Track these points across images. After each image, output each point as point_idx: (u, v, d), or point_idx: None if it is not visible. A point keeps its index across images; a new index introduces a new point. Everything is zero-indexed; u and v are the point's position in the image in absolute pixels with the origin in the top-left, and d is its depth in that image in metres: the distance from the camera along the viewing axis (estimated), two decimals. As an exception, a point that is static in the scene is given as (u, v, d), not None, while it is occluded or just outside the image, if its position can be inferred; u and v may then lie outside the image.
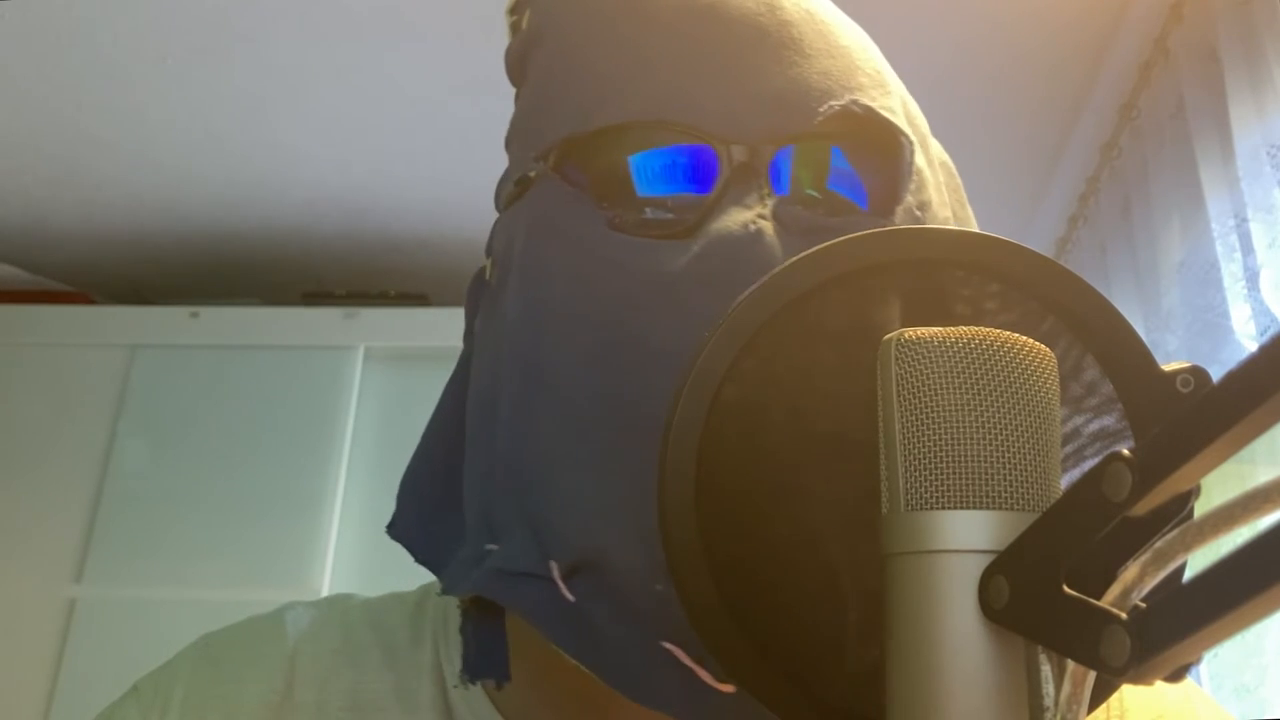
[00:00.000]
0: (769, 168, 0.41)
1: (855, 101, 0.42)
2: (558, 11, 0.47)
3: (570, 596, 0.37)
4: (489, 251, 0.48)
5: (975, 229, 0.48)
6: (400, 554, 0.48)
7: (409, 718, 0.45)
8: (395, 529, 0.47)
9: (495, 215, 0.49)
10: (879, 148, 0.43)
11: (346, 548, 1.78)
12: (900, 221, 0.42)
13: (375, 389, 1.89)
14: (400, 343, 1.91)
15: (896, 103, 0.45)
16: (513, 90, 0.50)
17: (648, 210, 0.42)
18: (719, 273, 0.38)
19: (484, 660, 0.41)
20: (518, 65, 0.49)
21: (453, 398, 0.48)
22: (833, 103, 0.42)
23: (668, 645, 0.36)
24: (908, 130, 0.44)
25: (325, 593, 1.71)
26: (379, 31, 1.45)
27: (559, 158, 0.44)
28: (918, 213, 0.43)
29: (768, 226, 0.39)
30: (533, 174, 0.45)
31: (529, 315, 0.42)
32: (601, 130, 0.43)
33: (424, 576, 0.51)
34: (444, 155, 1.72)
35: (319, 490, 1.79)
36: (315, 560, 1.75)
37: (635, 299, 0.40)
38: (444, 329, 1.87)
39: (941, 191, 0.46)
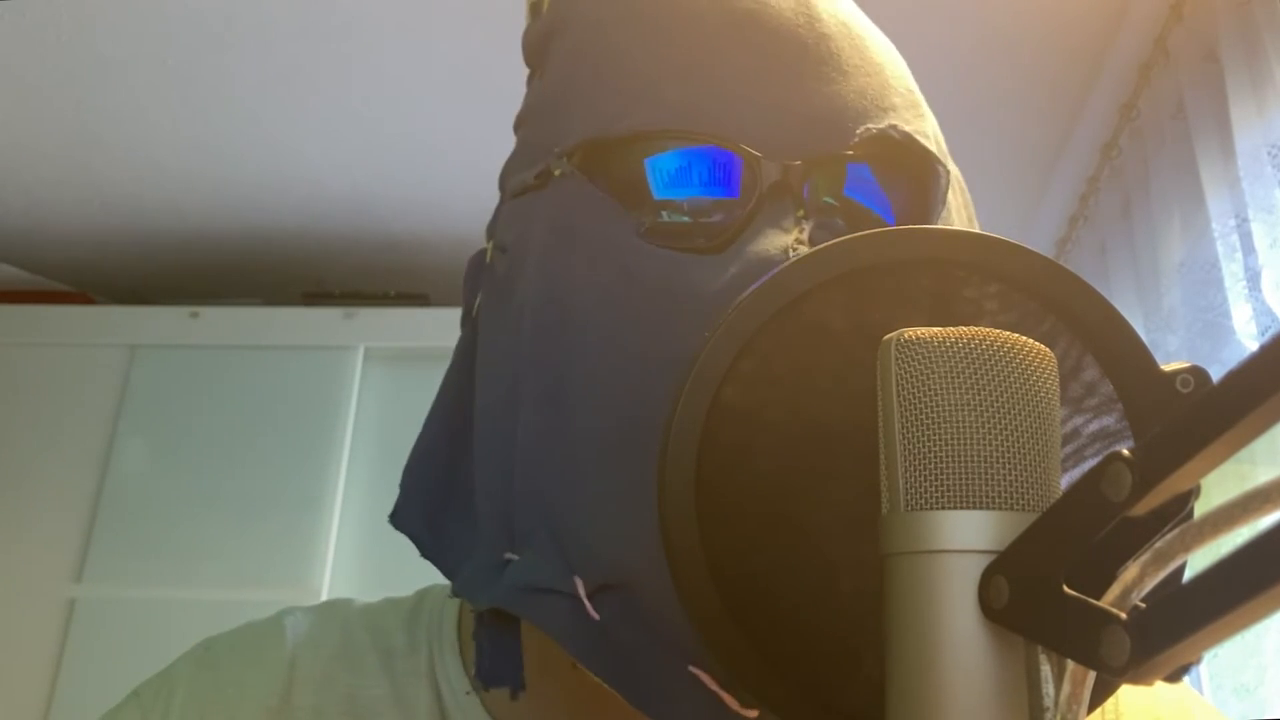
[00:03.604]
0: (803, 187, 0.40)
1: (894, 127, 0.42)
2: (586, 1, 0.46)
3: (595, 615, 0.37)
4: (491, 235, 0.47)
5: None
6: (400, 554, 0.48)
7: None
8: (398, 519, 0.46)
9: (497, 203, 0.48)
10: (911, 174, 0.42)
11: (346, 548, 1.78)
12: None
13: (375, 389, 1.89)
14: (400, 343, 1.91)
15: (930, 125, 0.44)
16: (512, 88, 0.50)
17: (697, 211, 0.41)
18: None
19: (498, 669, 0.41)
20: (537, 49, 0.48)
21: (455, 386, 0.47)
22: (870, 125, 0.41)
23: (694, 670, 0.36)
24: (945, 161, 0.43)
25: (325, 593, 1.71)
26: (379, 31, 1.45)
27: (587, 156, 0.43)
28: None
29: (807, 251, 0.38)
30: (557, 171, 0.43)
31: (553, 322, 0.41)
32: (633, 135, 0.42)
33: (423, 578, 0.51)
34: (444, 155, 1.72)
35: (319, 490, 1.79)
36: (315, 560, 1.75)
37: (668, 316, 0.38)
38: (444, 329, 1.86)
39: (962, 212, 0.46)
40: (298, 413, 1.85)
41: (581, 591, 0.37)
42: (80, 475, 1.82)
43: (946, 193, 0.43)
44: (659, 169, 0.42)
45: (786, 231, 0.39)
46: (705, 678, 0.35)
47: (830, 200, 0.42)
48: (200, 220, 1.92)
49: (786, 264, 0.31)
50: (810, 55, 0.42)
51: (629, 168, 0.42)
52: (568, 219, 0.42)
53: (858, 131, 0.41)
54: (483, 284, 0.47)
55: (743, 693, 0.35)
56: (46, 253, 2.02)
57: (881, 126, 0.41)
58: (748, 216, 0.40)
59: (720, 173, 0.41)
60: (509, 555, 0.40)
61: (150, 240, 1.98)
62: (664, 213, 0.41)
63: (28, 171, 1.76)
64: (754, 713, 0.35)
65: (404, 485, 0.47)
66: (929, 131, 0.44)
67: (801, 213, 0.40)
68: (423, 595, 0.51)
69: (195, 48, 1.48)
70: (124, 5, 1.39)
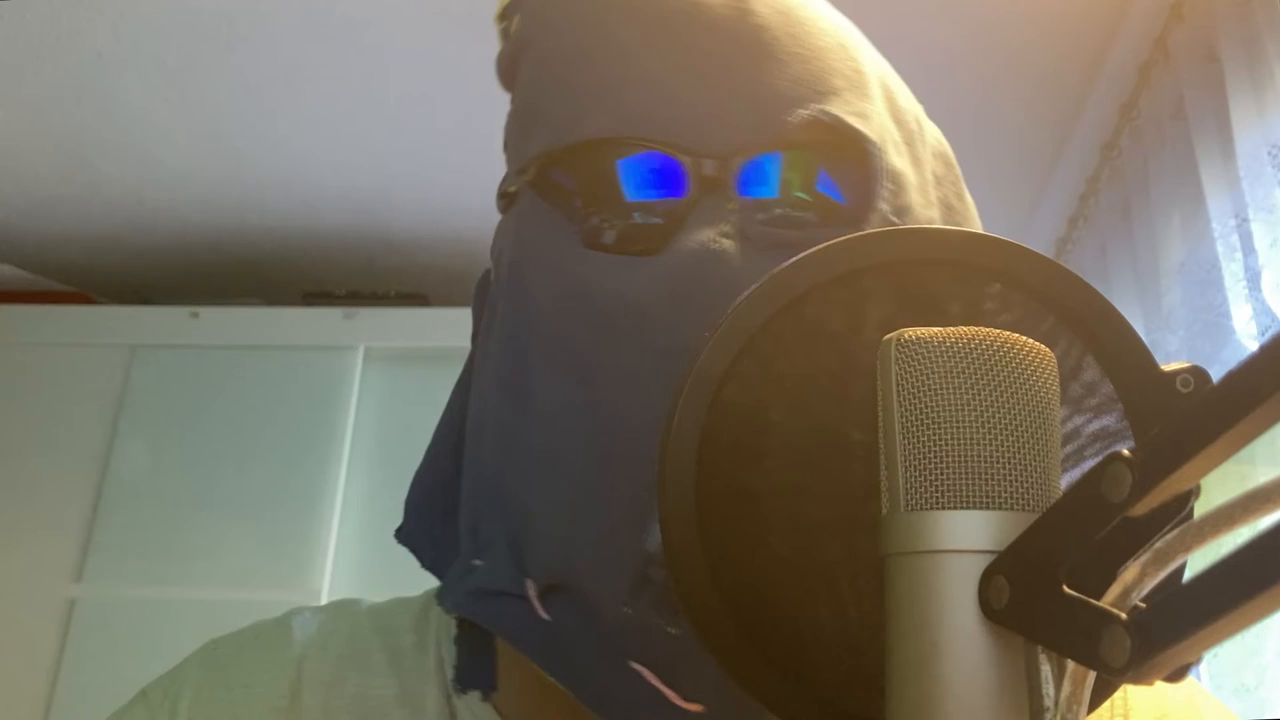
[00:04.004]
0: (736, 180, 0.41)
1: (824, 110, 0.42)
2: (541, 20, 0.47)
3: (545, 615, 0.38)
4: (492, 254, 0.49)
5: (974, 219, 0.48)
6: (400, 554, 0.49)
7: None
8: (403, 534, 0.48)
9: (494, 215, 0.49)
10: (850, 154, 0.43)
11: (346, 548, 1.78)
12: (875, 228, 0.42)
13: (375, 389, 1.89)
14: (400, 343, 1.91)
15: (874, 102, 0.45)
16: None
17: (636, 215, 0.42)
18: (681, 294, 0.39)
19: (472, 671, 0.43)
20: (508, 72, 0.50)
21: (459, 402, 0.49)
22: (800, 111, 0.42)
23: (636, 666, 0.37)
24: (880, 135, 0.43)
25: (325, 593, 1.71)
26: (379, 31, 1.45)
27: (538, 171, 0.44)
28: (893, 218, 0.42)
29: (730, 245, 0.39)
30: (513, 188, 0.46)
31: (515, 332, 0.43)
32: (575, 145, 0.43)
33: (423, 578, 0.51)
34: (444, 155, 1.72)
35: (319, 490, 1.79)
36: (315, 560, 1.75)
37: (607, 320, 0.40)
38: (444, 329, 1.87)
39: (929, 190, 0.46)
40: (298, 413, 1.85)
41: (532, 593, 0.39)
42: (80, 475, 1.82)
43: (883, 167, 0.43)
44: (602, 177, 0.43)
45: (713, 225, 0.40)
46: (647, 673, 0.36)
47: (802, 195, 0.42)
48: (200, 220, 1.92)
49: (786, 264, 0.31)
50: (742, 48, 0.43)
51: (575, 178, 0.44)
52: (524, 235, 0.44)
53: (789, 120, 0.42)
54: (485, 301, 0.48)
55: (690, 690, 0.36)
56: (46, 253, 2.02)
57: (811, 112, 0.42)
58: (682, 215, 0.41)
59: (658, 175, 0.42)
60: (475, 561, 0.42)
61: (150, 240, 1.98)
62: (607, 219, 0.43)
63: (28, 171, 1.76)
64: (696, 707, 0.36)
65: (408, 502, 0.49)
66: (870, 110, 0.44)
67: (733, 205, 0.41)
68: (432, 595, 0.51)
69: (195, 47, 1.48)
70: (124, 5, 1.39)
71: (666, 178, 0.42)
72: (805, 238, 0.40)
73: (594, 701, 0.37)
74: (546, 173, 0.44)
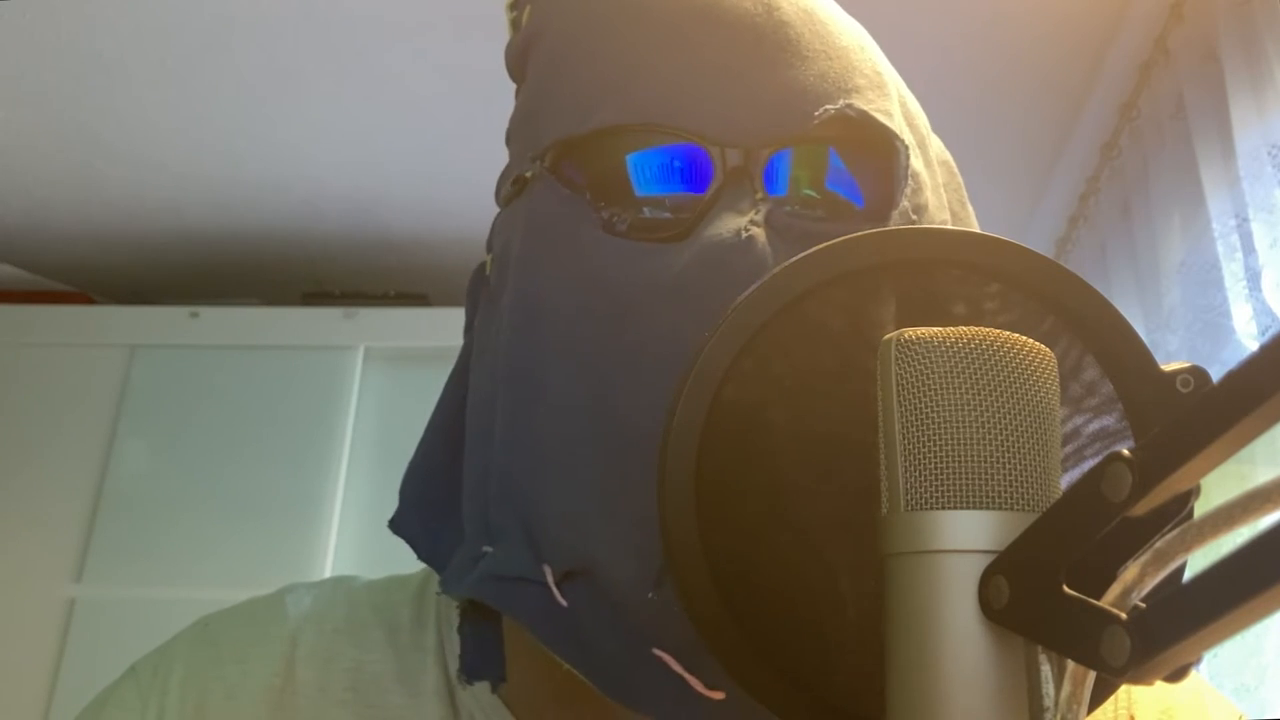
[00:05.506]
0: (763, 171, 0.41)
1: (850, 105, 0.42)
2: (557, 9, 0.47)
3: (564, 601, 0.38)
4: (489, 248, 0.48)
5: (975, 228, 0.49)
6: (400, 554, 0.48)
7: (412, 699, 0.45)
8: (397, 524, 0.47)
9: (495, 214, 0.49)
10: (874, 151, 0.43)
11: (346, 548, 1.78)
12: (895, 225, 0.42)
13: (375, 389, 1.89)
14: (400, 343, 1.91)
15: (894, 104, 0.45)
16: (513, 88, 0.50)
17: (646, 210, 0.42)
18: (710, 280, 0.38)
19: (480, 661, 0.42)
20: (518, 62, 0.49)
21: (454, 394, 0.48)
22: (828, 106, 0.42)
23: (659, 653, 0.36)
24: (904, 134, 0.43)
25: (325, 593, 1.71)
26: (379, 31, 1.45)
27: (555, 158, 0.44)
28: (914, 216, 0.42)
29: (760, 233, 0.39)
30: (529, 174, 0.45)
31: (525, 321, 0.42)
32: (597, 132, 0.43)
33: (424, 576, 0.51)
34: (444, 155, 1.72)
35: (319, 490, 1.79)
36: (315, 560, 1.75)
37: (628, 307, 0.40)
38: (444, 329, 1.87)
39: (940, 193, 0.46)
40: (298, 413, 1.85)
41: (550, 579, 0.38)
42: (80, 475, 1.82)
43: (909, 165, 0.43)
44: (623, 164, 0.43)
45: (742, 214, 0.40)
46: (669, 660, 0.36)
47: (811, 193, 0.42)
48: (200, 220, 1.92)
49: (786, 264, 0.31)
50: (767, 43, 0.43)
51: (596, 164, 0.43)
52: (539, 220, 0.44)
53: (815, 113, 0.42)
54: (481, 295, 0.48)
55: (713, 678, 0.36)
56: (46, 253, 2.02)
57: (838, 106, 0.42)
58: (708, 203, 0.41)
59: (682, 164, 0.42)
60: (485, 548, 0.41)
61: (150, 240, 1.98)
62: (629, 206, 0.42)
63: (28, 171, 1.76)
64: (719, 694, 0.36)
65: (403, 493, 0.48)
66: (893, 110, 0.44)
67: (760, 195, 0.41)
68: (430, 574, 0.51)
69: (195, 48, 1.48)
70: (124, 5, 1.39)
71: (691, 167, 0.42)
72: (833, 230, 0.40)
73: (616, 689, 0.37)
74: (565, 159, 0.44)
